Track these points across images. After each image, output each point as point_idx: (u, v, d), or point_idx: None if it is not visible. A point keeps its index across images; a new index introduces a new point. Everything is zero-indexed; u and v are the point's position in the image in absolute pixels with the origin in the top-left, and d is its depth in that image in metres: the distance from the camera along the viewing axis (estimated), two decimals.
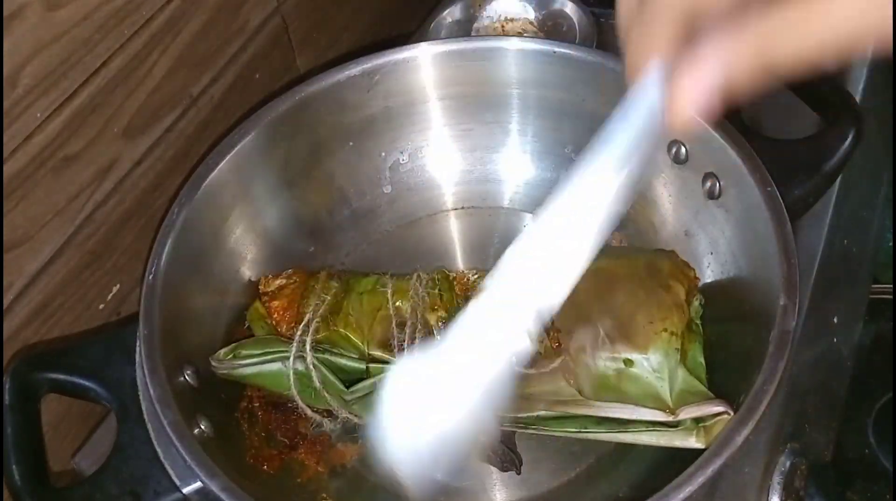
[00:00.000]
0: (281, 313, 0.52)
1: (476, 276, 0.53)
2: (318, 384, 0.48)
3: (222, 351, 0.50)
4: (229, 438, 0.48)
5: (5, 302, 0.47)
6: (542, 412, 0.47)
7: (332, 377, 0.48)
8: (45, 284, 0.49)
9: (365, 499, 0.50)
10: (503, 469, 0.48)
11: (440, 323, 0.49)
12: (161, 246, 0.48)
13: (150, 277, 0.47)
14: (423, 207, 0.63)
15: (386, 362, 0.48)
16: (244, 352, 0.49)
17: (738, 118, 0.52)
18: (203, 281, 0.52)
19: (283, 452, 0.50)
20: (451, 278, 0.52)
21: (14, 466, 0.43)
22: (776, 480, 0.49)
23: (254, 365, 0.49)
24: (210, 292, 0.52)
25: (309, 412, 0.49)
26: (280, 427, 0.51)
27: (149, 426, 0.44)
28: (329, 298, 0.51)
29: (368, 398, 0.48)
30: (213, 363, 0.49)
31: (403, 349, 0.48)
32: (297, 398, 0.49)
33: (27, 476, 0.43)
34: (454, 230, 0.63)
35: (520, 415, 0.47)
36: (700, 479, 0.38)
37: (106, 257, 0.53)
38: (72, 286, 0.51)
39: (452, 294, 0.51)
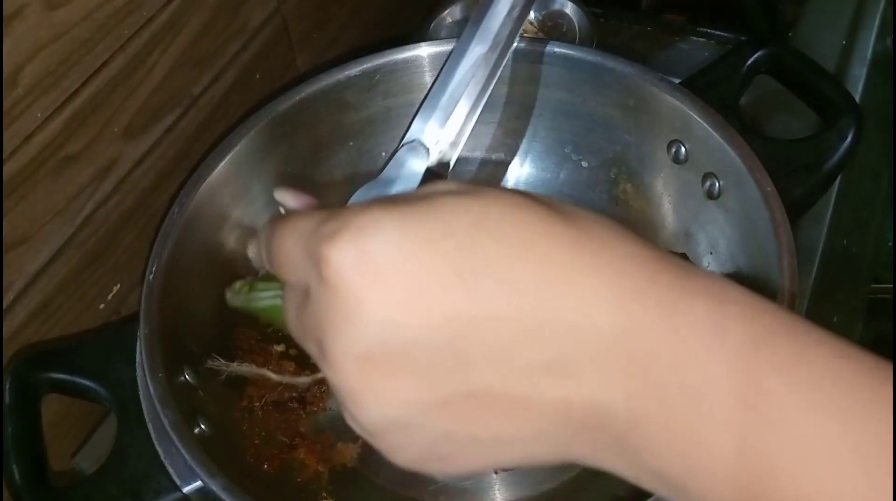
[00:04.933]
0: None
1: None
2: None
3: (238, 283, 0.48)
4: (229, 438, 0.48)
5: (5, 302, 0.47)
6: None
7: None
8: (45, 284, 0.49)
9: (365, 499, 0.50)
10: (503, 469, 0.48)
11: None
12: (161, 246, 0.48)
13: (151, 276, 0.47)
14: None
15: None
16: (260, 285, 0.48)
17: (738, 118, 0.52)
18: (203, 281, 0.52)
19: (283, 452, 0.50)
20: None
21: (14, 466, 0.43)
22: None
23: (269, 299, 0.48)
24: (210, 291, 0.52)
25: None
26: (280, 427, 0.51)
27: (149, 425, 0.44)
28: None
29: None
30: (228, 295, 0.48)
31: None
32: None
33: (27, 475, 0.43)
34: None
35: None
36: None
37: (106, 256, 0.53)
38: (72, 286, 0.51)
39: None
